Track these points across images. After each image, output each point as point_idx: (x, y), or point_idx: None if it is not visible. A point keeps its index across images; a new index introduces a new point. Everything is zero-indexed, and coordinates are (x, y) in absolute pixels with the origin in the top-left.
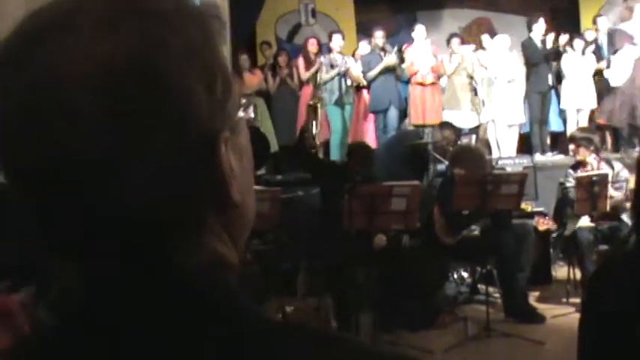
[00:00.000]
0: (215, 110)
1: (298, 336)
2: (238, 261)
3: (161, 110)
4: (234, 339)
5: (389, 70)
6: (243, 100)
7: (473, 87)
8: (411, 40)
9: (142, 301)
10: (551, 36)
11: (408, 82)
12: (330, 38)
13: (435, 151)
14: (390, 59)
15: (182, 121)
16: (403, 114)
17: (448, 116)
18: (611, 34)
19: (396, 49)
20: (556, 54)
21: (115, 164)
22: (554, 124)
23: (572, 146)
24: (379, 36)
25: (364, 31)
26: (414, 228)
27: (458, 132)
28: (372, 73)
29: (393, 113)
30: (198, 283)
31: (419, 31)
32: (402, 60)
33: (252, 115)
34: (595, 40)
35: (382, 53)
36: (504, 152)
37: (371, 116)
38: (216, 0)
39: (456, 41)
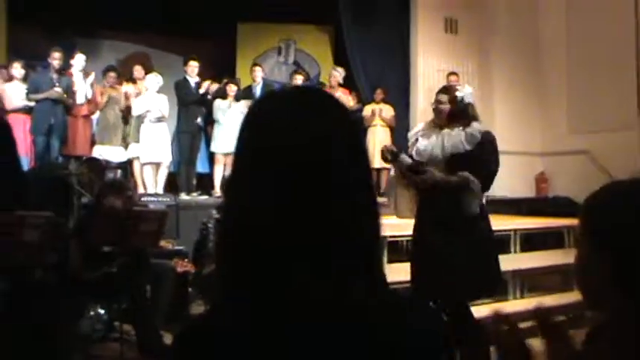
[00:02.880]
0: None
1: None
2: None
3: None
4: None
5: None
6: None
7: (125, 122)
8: (68, 67)
9: None
10: (206, 83)
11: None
12: None
13: (79, 185)
14: (56, 93)
15: None
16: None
17: (98, 150)
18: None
19: (60, 82)
20: (208, 100)
21: None
22: (201, 166)
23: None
24: (57, 57)
25: (17, 52)
26: (45, 262)
27: (103, 167)
28: (35, 97)
29: (55, 141)
30: None
31: (78, 60)
32: (69, 92)
33: None
34: (250, 87)
35: (55, 76)
36: (151, 190)
37: (28, 140)
38: None
39: (111, 74)
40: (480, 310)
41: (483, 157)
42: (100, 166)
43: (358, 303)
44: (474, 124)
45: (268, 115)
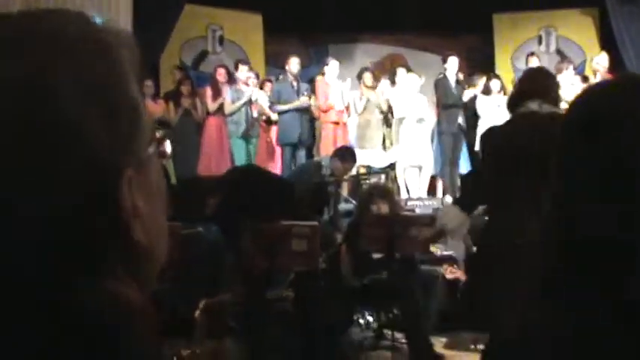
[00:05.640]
0: (118, 145)
1: None
2: (143, 302)
3: (55, 140)
4: None
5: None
6: (157, 134)
7: (387, 124)
8: (321, 73)
9: (32, 349)
10: (470, 92)
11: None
12: (236, 68)
13: (337, 187)
14: (303, 102)
15: (79, 155)
16: (311, 151)
17: (359, 155)
18: None
19: (308, 90)
20: (470, 101)
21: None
22: (463, 166)
23: None
24: (294, 62)
25: (273, 62)
26: (316, 269)
27: (355, 155)
28: (281, 108)
29: (302, 150)
30: (91, 329)
31: (333, 66)
32: (313, 92)
33: (167, 149)
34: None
35: (295, 83)
36: (413, 193)
37: (277, 151)
38: (128, 29)
39: (368, 76)
40: None
41: None
42: (353, 155)
43: None
44: None
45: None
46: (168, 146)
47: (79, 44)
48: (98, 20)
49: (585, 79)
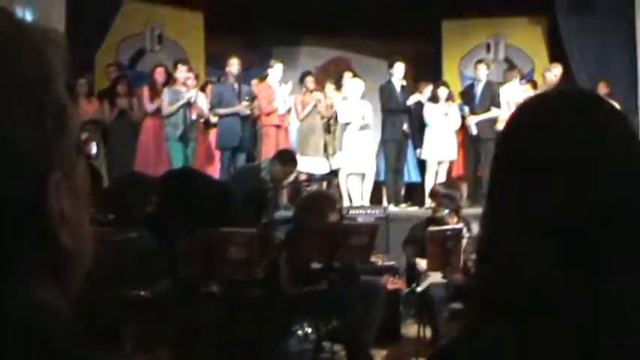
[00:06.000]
0: (44, 149)
1: None
2: (69, 308)
3: None
4: None
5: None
6: (83, 135)
7: (328, 130)
8: (263, 75)
9: None
10: (415, 97)
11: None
12: (175, 68)
13: (274, 189)
14: (244, 108)
15: (3, 156)
16: (251, 156)
17: (300, 162)
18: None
19: (250, 94)
20: (416, 105)
21: None
22: (412, 175)
23: (432, 203)
24: (234, 64)
25: (214, 62)
26: (255, 278)
27: (296, 158)
28: (222, 112)
29: (242, 154)
30: (12, 336)
31: (276, 69)
32: (252, 99)
33: (93, 151)
34: (472, 85)
35: (236, 85)
36: (356, 202)
37: (216, 155)
38: (58, 26)
39: (310, 80)
40: None
41: None
42: (294, 158)
43: None
44: None
45: (546, 122)
46: (93, 148)
47: (2, 42)
48: (27, 17)
49: (535, 85)
